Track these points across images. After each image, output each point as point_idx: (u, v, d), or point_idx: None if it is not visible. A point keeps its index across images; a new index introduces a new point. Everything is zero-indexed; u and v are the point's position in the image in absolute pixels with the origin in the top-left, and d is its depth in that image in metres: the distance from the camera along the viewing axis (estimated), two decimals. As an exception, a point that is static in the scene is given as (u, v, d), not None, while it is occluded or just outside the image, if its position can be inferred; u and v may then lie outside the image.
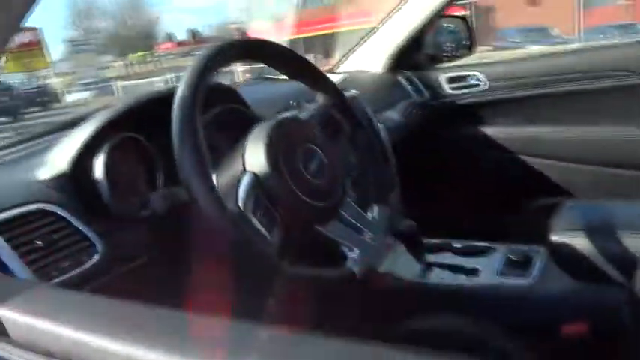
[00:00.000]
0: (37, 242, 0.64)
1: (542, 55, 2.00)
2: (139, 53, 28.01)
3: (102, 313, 0.44)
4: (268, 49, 0.76)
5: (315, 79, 0.82)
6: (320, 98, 0.84)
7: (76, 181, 0.72)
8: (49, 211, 0.68)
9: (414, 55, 1.79)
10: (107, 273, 0.68)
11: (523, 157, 1.63)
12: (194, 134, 0.59)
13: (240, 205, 0.61)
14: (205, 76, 0.64)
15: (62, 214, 0.68)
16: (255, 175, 0.65)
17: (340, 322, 1.07)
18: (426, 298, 1.00)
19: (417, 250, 1.04)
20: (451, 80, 1.73)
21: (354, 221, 0.76)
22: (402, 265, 1.09)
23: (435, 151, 1.71)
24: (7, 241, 0.62)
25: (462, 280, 1.00)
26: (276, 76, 1.28)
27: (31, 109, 15.26)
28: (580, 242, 0.85)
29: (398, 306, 1.00)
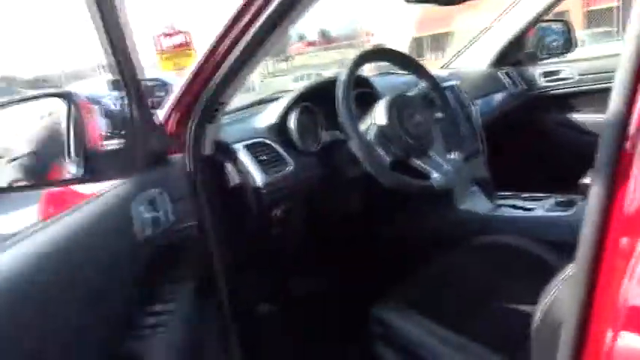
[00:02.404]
0: (263, 157, 1.22)
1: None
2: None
3: None
4: (391, 53, 1.27)
5: (420, 71, 1.31)
6: (422, 83, 1.33)
7: (279, 128, 1.30)
8: (266, 142, 1.26)
9: (515, 54, 2.16)
10: (297, 178, 1.24)
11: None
12: (348, 101, 1.12)
13: (371, 140, 1.14)
14: (356, 69, 1.17)
15: (272, 144, 1.26)
16: (378, 125, 1.17)
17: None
18: (493, 224, 1.43)
19: (489, 193, 1.47)
20: (546, 74, 2.08)
21: (437, 157, 1.24)
22: (478, 204, 1.53)
23: (525, 132, 2.08)
24: (250, 154, 1.21)
25: (519, 214, 1.42)
26: (394, 72, 1.79)
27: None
28: None
29: (472, 228, 1.45)
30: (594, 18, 14.15)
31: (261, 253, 1.31)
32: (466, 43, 2.24)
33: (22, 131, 1.11)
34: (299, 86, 1.41)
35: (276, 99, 1.42)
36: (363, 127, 1.17)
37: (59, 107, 1.05)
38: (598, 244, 0.54)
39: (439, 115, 1.33)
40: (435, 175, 1.20)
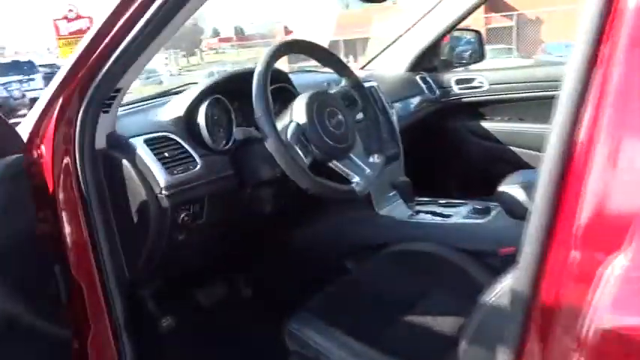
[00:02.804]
0: (165, 154, 1.07)
1: (533, 66, 2.35)
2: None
3: None
4: (314, 47, 1.18)
5: (341, 68, 1.24)
6: (343, 82, 1.25)
7: (186, 121, 1.16)
8: (170, 137, 1.11)
9: (431, 60, 2.18)
10: (205, 179, 1.11)
11: (512, 148, 1.99)
12: (265, 94, 1.01)
13: (289, 139, 1.03)
14: (273, 60, 1.06)
15: (178, 140, 1.12)
16: (297, 124, 1.07)
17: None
18: (411, 230, 1.40)
19: (408, 199, 1.43)
20: (459, 82, 2.12)
21: (358, 160, 1.16)
22: (396, 209, 1.50)
23: (439, 138, 2.10)
24: (151, 150, 1.06)
25: (437, 221, 1.39)
26: (314, 69, 1.71)
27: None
28: (517, 191, 1.22)
29: (389, 235, 1.40)
30: (493, 35, 15.22)
31: (163, 262, 1.15)
32: (382, 48, 2.23)
33: None
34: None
35: (183, 90, 1.28)
36: (280, 125, 1.07)
37: None
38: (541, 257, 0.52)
39: (360, 115, 1.26)
40: (356, 179, 1.13)
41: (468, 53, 2.27)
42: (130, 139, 1.06)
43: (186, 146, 1.12)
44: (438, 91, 2.09)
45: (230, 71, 1.27)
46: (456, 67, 2.22)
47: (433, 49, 2.15)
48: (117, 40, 0.91)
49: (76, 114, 1.00)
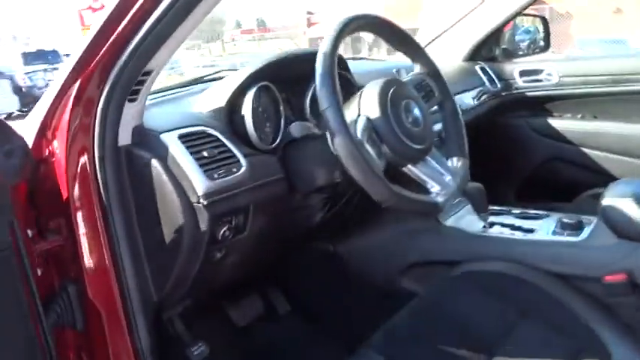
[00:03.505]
0: (204, 153, 0.87)
1: (610, 57, 2.10)
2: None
3: None
4: (385, 24, 0.96)
5: (416, 51, 1.02)
6: (417, 68, 1.03)
7: (229, 114, 0.95)
8: (209, 133, 0.91)
9: (491, 49, 1.94)
10: (251, 186, 0.91)
11: (583, 149, 1.75)
12: (333, 81, 0.80)
13: (359, 137, 0.82)
14: (340, 39, 0.85)
15: (219, 136, 0.91)
16: (368, 118, 0.86)
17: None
18: (484, 246, 1.17)
19: (481, 209, 1.21)
20: (523, 73, 1.87)
21: (436, 164, 0.95)
22: (466, 221, 1.27)
23: (499, 136, 1.86)
24: (187, 148, 0.86)
25: (519, 236, 1.17)
26: (372, 58, 1.49)
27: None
28: (627, 205, 1.00)
29: (458, 251, 1.18)
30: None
31: (195, 283, 0.96)
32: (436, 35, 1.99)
33: None
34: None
35: (220, 78, 1.07)
36: (347, 118, 0.85)
37: None
38: None
39: (435, 109, 1.04)
40: (435, 188, 0.91)
41: (532, 42, 2.03)
42: (162, 135, 0.86)
43: (229, 144, 0.91)
44: (499, 84, 1.86)
45: (279, 54, 1.05)
46: (519, 57, 1.98)
47: (494, 36, 1.91)
48: (149, 8, 0.71)
49: (95, 102, 0.81)
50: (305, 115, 1.07)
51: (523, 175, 1.92)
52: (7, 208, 0.73)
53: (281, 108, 1.02)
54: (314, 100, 1.09)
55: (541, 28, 2.01)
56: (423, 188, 0.93)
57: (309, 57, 1.03)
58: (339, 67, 1.07)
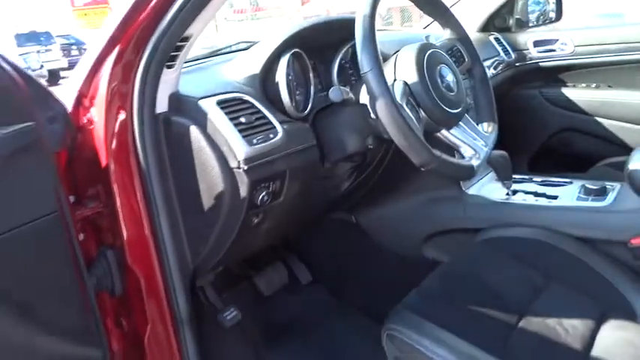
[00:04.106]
0: (242, 119, 0.87)
1: (626, 25, 2.08)
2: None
3: None
4: None
5: (447, 16, 1.01)
6: (447, 34, 1.03)
7: (263, 81, 0.95)
8: (245, 99, 0.91)
9: (505, 19, 1.93)
10: (286, 151, 0.91)
11: (597, 119, 1.76)
12: (374, 43, 0.80)
13: (399, 100, 0.82)
14: (377, 4, 0.84)
15: (254, 102, 0.91)
16: (405, 82, 0.86)
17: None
18: (508, 213, 1.19)
19: (505, 177, 1.22)
20: (537, 43, 1.87)
21: (469, 130, 0.95)
22: (489, 189, 1.28)
23: (514, 106, 1.86)
24: (226, 114, 0.86)
25: (543, 202, 1.18)
26: (397, 29, 1.48)
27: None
28: None
29: (483, 218, 1.20)
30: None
31: (231, 250, 0.97)
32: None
33: None
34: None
35: (245, 48, 1.07)
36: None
37: None
38: None
39: (465, 76, 1.04)
40: (468, 152, 0.92)
41: (543, 11, 2.02)
42: (199, 101, 0.86)
43: (265, 110, 0.91)
44: (513, 54, 1.85)
45: (310, 21, 1.05)
46: (532, 26, 1.97)
47: (507, 7, 1.90)
48: None
49: (134, 68, 0.80)
50: (332, 82, 1.07)
51: (536, 146, 1.93)
52: (52, 174, 0.73)
53: (311, 75, 1.02)
54: (341, 67, 1.09)
55: (550, -2, 2.00)
56: (458, 153, 0.93)
57: (339, 24, 1.02)
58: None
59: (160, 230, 0.88)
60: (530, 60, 1.87)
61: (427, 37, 1.02)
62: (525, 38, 1.88)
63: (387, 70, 0.89)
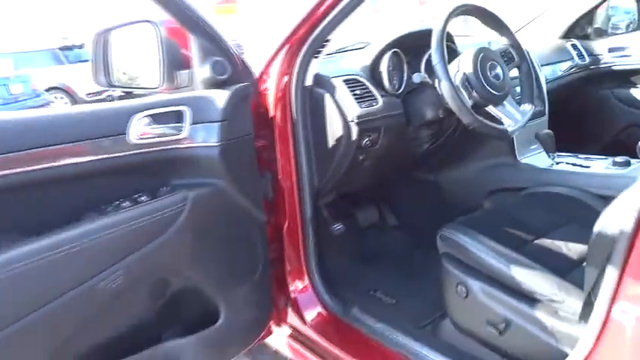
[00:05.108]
0: (357, 91, 1.39)
1: None
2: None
3: None
4: (480, 10, 1.40)
5: (503, 28, 1.45)
6: (503, 40, 1.46)
7: (372, 69, 1.46)
8: (359, 80, 1.42)
9: (584, 27, 2.25)
10: (383, 114, 1.41)
11: None
12: (442, 47, 1.27)
13: (457, 84, 1.29)
14: (449, 20, 1.31)
15: (365, 82, 1.42)
16: (465, 73, 1.32)
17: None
18: (550, 177, 1.58)
19: (549, 150, 1.61)
20: (612, 49, 2.17)
21: (511, 107, 1.38)
22: (538, 158, 1.68)
23: (585, 102, 2.18)
24: (347, 88, 1.38)
25: (576, 169, 1.56)
26: (469, 35, 1.92)
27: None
28: None
29: (530, 180, 1.60)
30: None
31: (342, 178, 1.49)
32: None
33: (127, 48, 1.31)
34: None
35: (365, 46, 1.59)
36: (450, 72, 1.32)
37: (149, 31, 1.22)
38: None
39: (515, 72, 1.47)
40: (508, 122, 1.36)
41: (624, 22, 2.30)
42: (332, 79, 1.39)
43: (371, 87, 1.42)
44: (588, 58, 2.17)
45: (406, 30, 1.54)
46: (611, 35, 2.26)
47: (587, 17, 2.22)
48: (332, 5, 1.23)
49: (295, 59, 1.34)
50: (420, 70, 1.55)
51: (605, 140, 2.23)
52: (249, 112, 1.30)
53: (404, 67, 1.51)
54: (428, 61, 1.56)
55: (635, 7, 2.27)
56: (498, 121, 1.37)
57: (425, 33, 1.50)
58: (447, 40, 1.54)
59: (300, 159, 1.41)
60: (604, 64, 2.17)
61: (489, 43, 1.46)
62: (602, 44, 2.19)
63: (454, 63, 1.36)
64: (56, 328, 0.96)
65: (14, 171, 0.88)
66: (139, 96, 1.17)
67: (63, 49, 8.90)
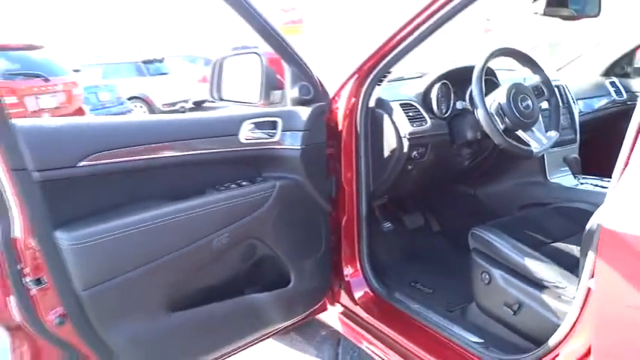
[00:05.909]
0: (410, 113, 1.72)
1: None
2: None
3: None
4: (515, 51, 1.71)
5: (536, 67, 1.74)
6: (535, 78, 1.76)
7: (424, 96, 1.80)
8: (412, 104, 1.76)
9: (624, 67, 2.48)
10: (430, 133, 1.74)
11: None
12: (481, 83, 1.58)
13: (492, 111, 1.60)
14: (488, 60, 1.63)
15: (417, 106, 1.76)
16: (499, 103, 1.63)
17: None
18: (576, 195, 1.84)
19: (576, 172, 1.87)
20: (649, 87, 2.39)
21: (538, 133, 1.67)
22: (565, 178, 1.94)
23: (618, 135, 2.39)
24: (402, 110, 1.72)
25: (598, 190, 1.81)
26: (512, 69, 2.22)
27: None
28: None
29: (556, 196, 1.87)
30: None
31: (393, 184, 1.82)
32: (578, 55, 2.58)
33: (237, 72, 1.67)
34: None
35: (420, 77, 1.92)
36: (487, 102, 1.64)
37: (255, 60, 1.59)
38: None
39: (545, 104, 1.76)
40: (534, 145, 1.65)
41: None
42: (390, 102, 1.73)
43: (422, 111, 1.75)
44: (625, 95, 2.40)
45: (454, 66, 1.87)
46: (650, 75, 2.47)
47: (627, 57, 2.45)
48: (398, 42, 1.58)
49: (362, 86, 1.69)
50: (465, 99, 1.87)
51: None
52: (324, 125, 1.65)
53: (451, 95, 1.83)
54: (470, 91, 1.87)
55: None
56: (526, 143, 1.66)
57: (470, 69, 1.83)
58: (489, 74, 1.86)
59: (360, 165, 1.75)
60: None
61: (524, 79, 1.77)
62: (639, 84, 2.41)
63: (492, 95, 1.67)
64: (179, 269, 1.34)
65: (164, 155, 1.28)
66: (212, 108, 1.54)
67: (145, 62, 9.72)
